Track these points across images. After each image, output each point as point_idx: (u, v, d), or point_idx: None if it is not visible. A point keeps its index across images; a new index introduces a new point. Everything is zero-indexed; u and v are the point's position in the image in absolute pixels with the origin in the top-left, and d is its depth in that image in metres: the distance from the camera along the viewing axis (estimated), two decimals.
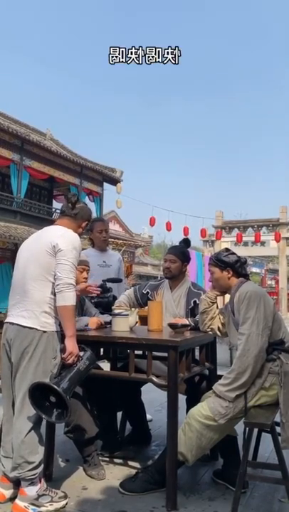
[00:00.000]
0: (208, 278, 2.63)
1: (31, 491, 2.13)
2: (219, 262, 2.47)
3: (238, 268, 2.46)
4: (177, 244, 3.36)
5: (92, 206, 24.94)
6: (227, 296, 2.57)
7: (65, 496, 2.24)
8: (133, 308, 2.86)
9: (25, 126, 22.37)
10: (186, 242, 3.24)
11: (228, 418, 2.19)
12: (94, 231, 3.78)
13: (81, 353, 2.24)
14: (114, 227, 32.70)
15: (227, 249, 2.58)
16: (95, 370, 2.56)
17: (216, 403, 2.23)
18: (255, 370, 2.19)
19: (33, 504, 2.12)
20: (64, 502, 2.20)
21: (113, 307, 2.88)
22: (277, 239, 21.84)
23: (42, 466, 2.18)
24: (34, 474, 2.12)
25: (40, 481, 2.19)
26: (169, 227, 18.82)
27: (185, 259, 3.10)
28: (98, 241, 3.78)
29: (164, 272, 3.12)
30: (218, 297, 2.63)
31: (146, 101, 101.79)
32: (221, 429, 2.24)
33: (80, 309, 2.96)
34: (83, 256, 2.89)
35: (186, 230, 18.17)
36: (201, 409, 2.25)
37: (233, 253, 2.53)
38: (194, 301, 2.95)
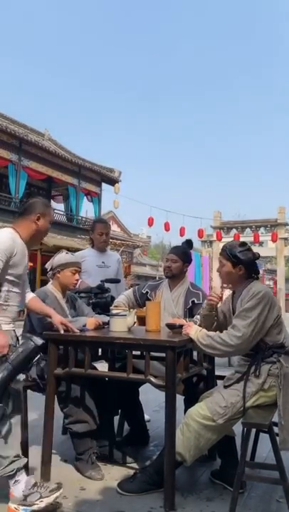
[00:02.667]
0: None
1: (17, 491, 2.08)
2: (233, 256, 2.35)
3: (251, 268, 2.38)
4: (176, 244, 3.37)
5: (90, 207, 24.97)
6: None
7: (58, 488, 2.15)
8: (132, 309, 2.87)
9: (24, 126, 22.35)
10: (188, 243, 3.25)
11: (226, 418, 2.19)
12: (95, 232, 3.75)
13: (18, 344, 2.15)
14: (112, 228, 32.60)
15: (243, 244, 2.43)
16: (93, 371, 2.57)
17: (215, 403, 2.23)
18: (225, 356, 2.38)
19: (22, 504, 2.08)
20: (56, 494, 2.12)
21: (111, 307, 2.89)
22: (275, 239, 21.85)
23: (22, 459, 2.11)
24: (13, 469, 2.06)
25: (24, 478, 2.11)
26: (167, 227, 18.81)
27: (187, 259, 3.11)
28: (98, 243, 3.77)
29: (164, 270, 3.12)
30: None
31: (146, 101, 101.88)
32: (219, 430, 2.24)
33: (73, 308, 2.96)
34: (75, 257, 2.91)
35: (182, 231, 18.16)
36: (199, 410, 2.25)
37: (250, 249, 2.40)
38: (192, 301, 2.96)
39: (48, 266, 2.87)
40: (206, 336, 2.32)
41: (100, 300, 3.12)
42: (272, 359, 2.24)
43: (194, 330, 2.38)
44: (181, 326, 2.55)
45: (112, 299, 3.16)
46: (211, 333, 2.35)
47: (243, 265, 2.35)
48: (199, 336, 2.33)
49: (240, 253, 2.35)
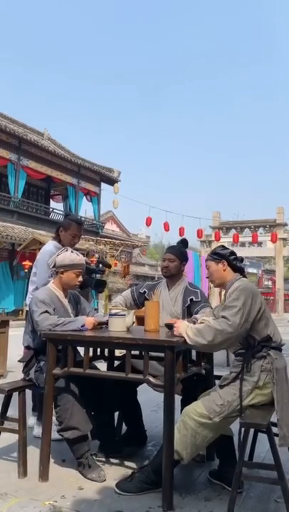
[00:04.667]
0: (205, 274, 2.67)
1: None
2: (214, 255, 2.55)
3: (232, 260, 2.51)
4: (175, 244, 3.37)
5: (89, 206, 24.98)
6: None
7: None
8: (130, 309, 2.87)
9: (23, 125, 22.34)
10: (183, 243, 3.27)
11: (222, 416, 2.20)
12: (68, 232, 3.31)
13: None
14: (111, 228, 32.68)
15: (223, 246, 2.64)
16: (92, 370, 2.56)
17: (211, 401, 2.23)
18: (217, 347, 2.31)
19: None
20: None
21: (110, 307, 2.89)
22: (274, 239, 21.89)
23: None
24: None
25: None
26: (166, 227, 18.82)
27: (184, 258, 3.14)
28: (67, 243, 3.30)
29: (162, 270, 3.14)
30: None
31: (145, 101, 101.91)
32: (215, 428, 2.25)
33: (76, 308, 2.95)
34: (80, 258, 2.86)
35: (181, 231, 18.18)
36: (196, 408, 2.26)
37: (228, 248, 2.60)
38: (191, 299, 2.97)
39: (50, 262, 2.85)
40: (196, 329, 2.32)
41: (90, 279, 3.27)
42: (262, 353, 2.27)
43: (183, 327, 2.35)
44: None
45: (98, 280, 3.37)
46: (200, 325, 2.38)
47: (224, 259, 2.51)
48: (188, 331, 2.32)
49: (220, 250, 2.56)
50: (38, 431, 3.11)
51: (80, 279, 2.84)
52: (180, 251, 3.14)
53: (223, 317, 2.27)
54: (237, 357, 2.38)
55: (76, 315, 2.89)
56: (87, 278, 3.17)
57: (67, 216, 3.50)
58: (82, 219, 23.16)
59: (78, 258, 2.83)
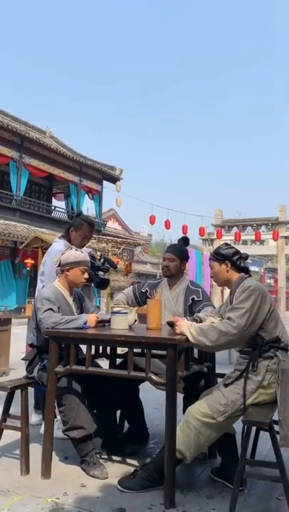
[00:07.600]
0: (209, 274, 2.66)
1: None
2: (217, 255, 2.50)
3: (236, 261, 2.47)
4: (176, 242, 3.36)
5: (91, 204, 24.98)
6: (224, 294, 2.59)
7: None
8: (132, 307, 2.87)
9: (25, 123, 22.33)
10: (184, 241, 3.25)
11: (226, 416, 2.20)
12: (78, 232, 3.23)
13: None
14: (113, 226, 32.67)
15: (226, 244, 2.60)
16: (94, 368, 2.57)
17: (215, 401, 2.23)
18: (220, 348, 2.31)
19: None
20: None
21: (112, 305, 2.89)
22: (276, 238, 21.85)
23: None
24: None
25: None
26: (168, 225, 18.82)
27: (184, 257, 3.12)
28: (76, 243, 3.20)
29: (162, 270, 3.13)
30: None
31: (147, 99, 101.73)
32: (219, 427, 2.25)
33: (80, 306, 2.96)
34: (85, 255, 2.87)
35: (185, 229, 18.17)
36: (199, 407, 2.26)
37: (232, 247, 2.54)
38: (192, 298, 2.97)
39: (55, 261, 2.85)
40: (199, 328, 2.31)
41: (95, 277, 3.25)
42: (270, 354, 2.26)
43: (186, 326, 2.34)
44: None
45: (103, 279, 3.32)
46: (203, 325, 2.37)
47: (227, 260, 2.47)
48: (191, 329, 2.31)
49: (223, 250, 2.51)
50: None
51: (86, 275, 2.85)
52: (180, 250, 3.13)
53: (229, 318, 2.26)
54: (242, 355, 2.37)
55: (80, 313, 2.89)
56: (92, 274, 3.16)
57: (79, 216, 3.34)
58: None
59: (83, 255, 2.84)
